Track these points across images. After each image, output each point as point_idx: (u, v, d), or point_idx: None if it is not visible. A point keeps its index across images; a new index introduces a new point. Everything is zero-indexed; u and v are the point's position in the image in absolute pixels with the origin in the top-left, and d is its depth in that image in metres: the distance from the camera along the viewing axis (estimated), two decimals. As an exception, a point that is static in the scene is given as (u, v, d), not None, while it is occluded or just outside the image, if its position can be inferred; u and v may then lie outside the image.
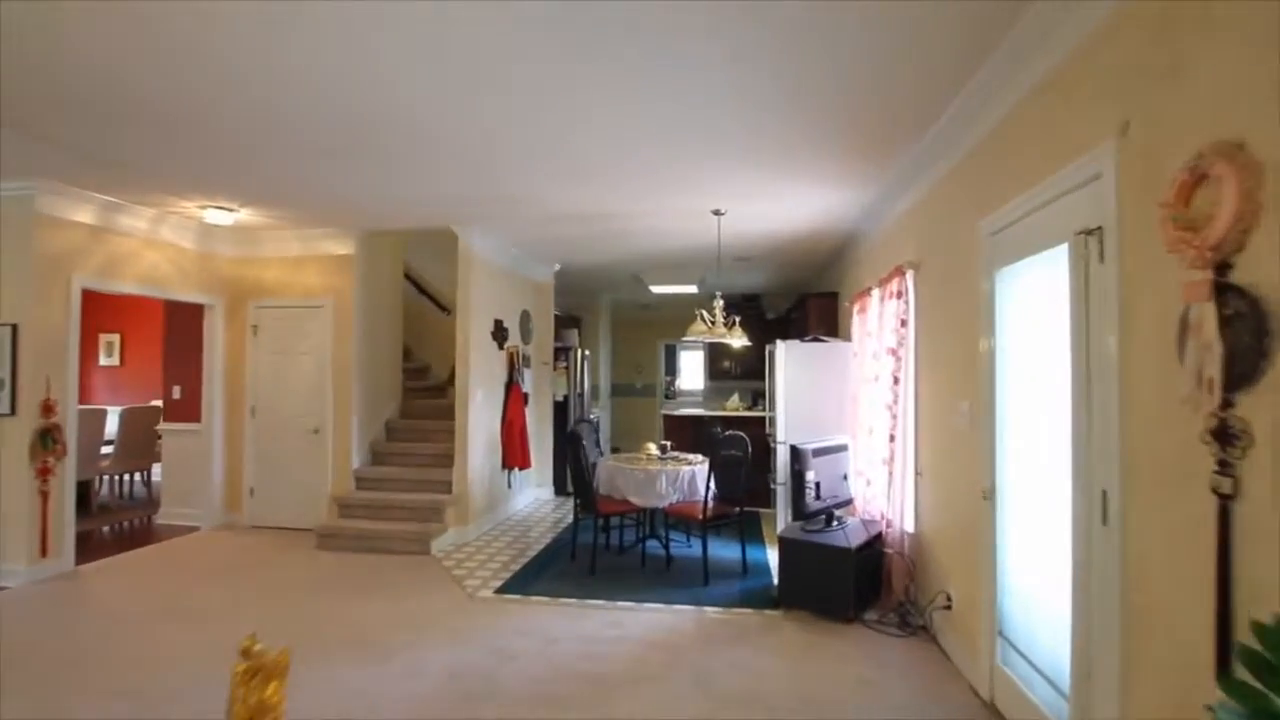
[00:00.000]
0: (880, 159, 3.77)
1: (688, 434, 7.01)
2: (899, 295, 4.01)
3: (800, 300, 7.29)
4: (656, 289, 8.54)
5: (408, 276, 7.49)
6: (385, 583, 4.44)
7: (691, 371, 14.01)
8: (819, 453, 4.22)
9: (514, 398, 6.43)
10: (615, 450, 11.27)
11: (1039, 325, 2.43)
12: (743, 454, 4.61)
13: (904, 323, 3.97)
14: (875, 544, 4.02)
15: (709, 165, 3.91)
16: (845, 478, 4.52)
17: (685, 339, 5.05)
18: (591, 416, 8.67)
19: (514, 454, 6.33)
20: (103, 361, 8.90)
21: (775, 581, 4.38)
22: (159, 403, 6.52)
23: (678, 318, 12.63)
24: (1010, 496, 2.64)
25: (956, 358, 3.27)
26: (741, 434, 4.71)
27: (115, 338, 8.86)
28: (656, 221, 5.34)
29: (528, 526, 6.15)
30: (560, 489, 7.58)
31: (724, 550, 5.12)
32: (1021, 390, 2.57)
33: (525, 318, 7.03)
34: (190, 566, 4.84)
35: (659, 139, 3.49)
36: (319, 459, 5.85)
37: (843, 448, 4.59)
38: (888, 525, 4.11)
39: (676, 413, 7.80)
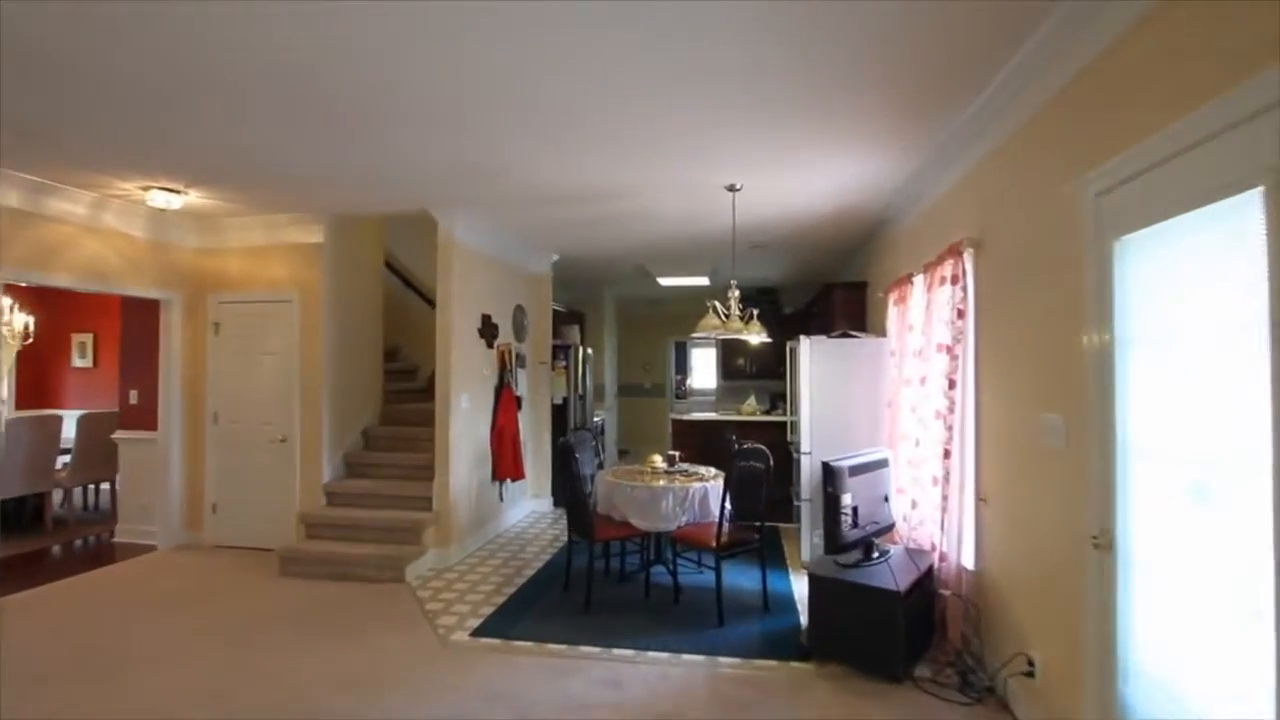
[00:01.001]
0: (937, 109, 3.06)
1: (699, 441, 6.33)
2: (954, 280, 3.30)
3: (823, 292, 6.58)
4: (665, 281, 7.86)
5: (392, 269, 6.88)
6: (345, 621, 3.81)
7: (703, 370, 13.33)
8: (856, 470, 3.53)
9: (505, 402, 5.78)
10: (623, 454, 10.61)
11: (1196, 310, 1.73)
12: (764, 468, 3.93)
13: (961, 314, 3.26)
14: (926, 582, 3.33)
15: (726, 122, 3.21)
16: (886, 499, 3.82)
17: (696, 335, 4.36)
18: (596, 419, 8.02)
19: (505, 464, 5.69)
20: (76, 363, 8.37)
21: (803, 622, 3.69)
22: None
23: (688, 313, 11.88)
24: (1140, 546, 1.93)
25: (1039, 357, 2.57)
26: (762, 447, 4.02)
27: (88, 338, 8.32)
28: (664, 200, 4.66)
29: (520, 545, 5.50)
30: (560, 500, 6.93)
31: (741, 578, 4.44)
32: (1162, 401, 1.86)
33: (519, 313, 6.38)
34: (131, 598, 4.23)
35: (666, 87, 2.81)
36: (286, 472, 5.24)
37: (882, 463, 3.89)
38: (941, 559, 3.41)
39: (686, 417, 7.09)
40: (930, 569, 3.39)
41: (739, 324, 4.28)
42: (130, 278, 5.01)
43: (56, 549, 5.46)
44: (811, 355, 4.88)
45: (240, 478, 5.35)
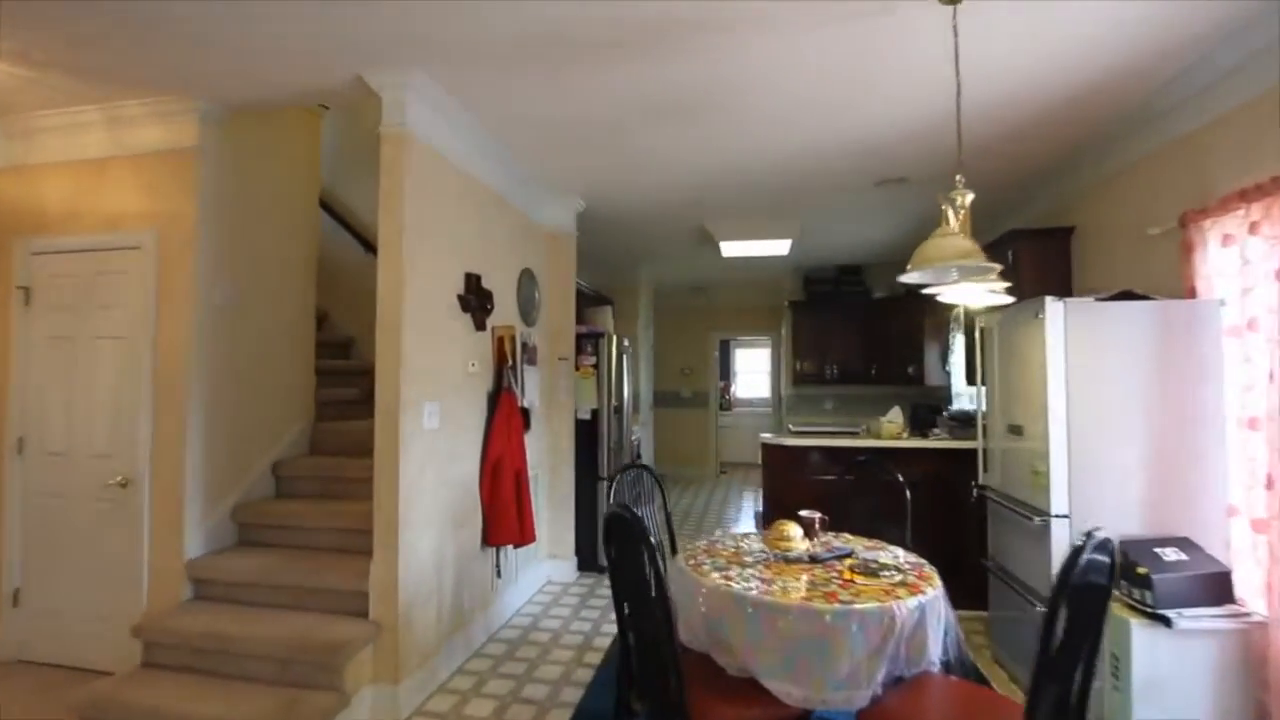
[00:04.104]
0: None
1: (808, 480, 4.06)
2: None
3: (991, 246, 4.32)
4: (730, 249, 5.65)
5: (330, 211, 4.73)
6: None
7: (753, 375, 11.09)
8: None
9: (505, 416, 3.58)
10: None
11: None
12: (1106, 582, 1.68)
13: None
14: None
15: None
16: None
17: (920, 283, 2.18)
18: (634, 439, 5.79)
19: (506, 520, 3.48)
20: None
21: None
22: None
23: (739, 304, 9.54)
24: None
25: None
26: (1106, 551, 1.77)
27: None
28: (799, 45, 2.46)
29: (529, 662, 3.28)
30: (587, 563, 4.70)
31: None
32: None
33: (526, 281, 4.19)
34: None
35: None
36: (130, 537, 3.05)
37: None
38: None
39: (786, 441, 4.29)
40: None
41: (979, 260, 2.04)
42: None
43: None
44: (1068, 333, 2.65)
45: (58, 546, 3.17)
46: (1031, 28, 2.38)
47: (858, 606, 1.89)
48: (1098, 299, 2.69)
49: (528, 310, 4.18)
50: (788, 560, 2.33)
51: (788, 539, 2.36)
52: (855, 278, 7.28)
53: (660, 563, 1.81)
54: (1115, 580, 1.86)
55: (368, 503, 2.88)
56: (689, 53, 2.54)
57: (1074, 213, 3.84)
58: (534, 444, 4.22)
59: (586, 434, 4.73)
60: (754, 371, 11.10)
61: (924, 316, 6.16)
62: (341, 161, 4.90)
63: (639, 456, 6.28)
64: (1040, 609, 2.68)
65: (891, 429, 3.91)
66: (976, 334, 3.39)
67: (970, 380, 4.67)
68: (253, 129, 3.34)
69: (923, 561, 2.33)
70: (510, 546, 3.63)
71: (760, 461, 4.17)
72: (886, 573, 2.18)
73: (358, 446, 3.53)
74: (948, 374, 6.10)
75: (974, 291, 2.37)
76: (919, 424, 4.18)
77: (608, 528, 1.99)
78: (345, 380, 4.30)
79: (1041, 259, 3.89)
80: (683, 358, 9.45)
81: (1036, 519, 2.69)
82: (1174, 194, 2.87)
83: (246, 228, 3.33)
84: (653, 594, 1.80)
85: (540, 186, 4.22)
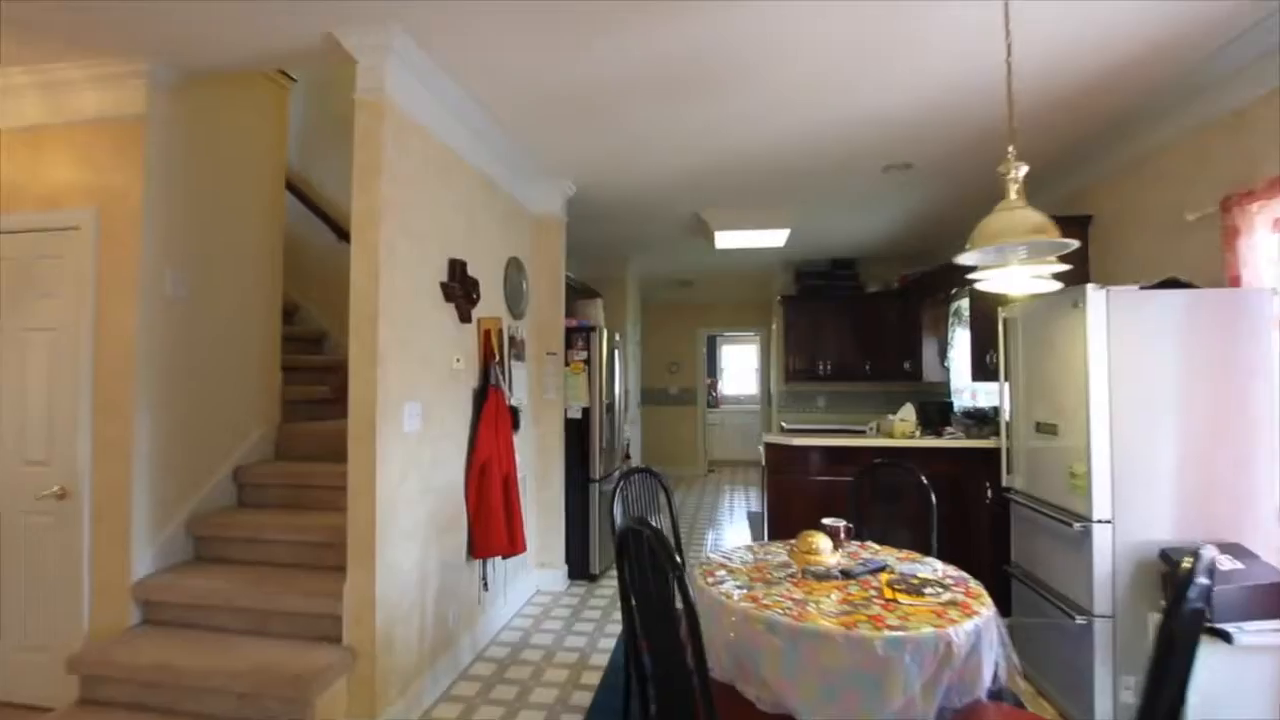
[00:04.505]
0: None
1: (815, 483, 3.83)
2: None
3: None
4: (726, 239, 5.41)
5: (301, 195, 4.39)
6: None
7: (739, 371, 10.89)
8: None
9: (492, 415, 3.29)
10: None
11: None
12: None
13: None
14: None
15: None
16: None
17: (975, 263, 1.95)
18: (624, 438, 5.54)
19: (494, 530, 3.19)
20: None
21: None
22: None
23: (728, 299, 9.30)
24: None
25: None
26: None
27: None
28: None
29: (520, 684, 2.99)
30: (578, 571, 4.44)
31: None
32: None
33: (514, 271, 3.90)
34: None
35: None
36: (68, 554, 2.70)
37: None
38: None
39: (795, 442, 3.99)
40: None
41: (1050, 229, 1.81)
42: None
43: None
44: (1110, 324, 2.45)
45: (-12, 565, 2.80)
46: (1080, -12, 2.16)
47: (911, 633, 1.66)
48: (1142, 288, 2.49)
49: (515, 302, 3.89)
50: (818, 576, 2.09)
51: (816, 552, 2.12)
52: (848, 271, 7.09)
53: (691, 591, 1.55)
54: (1209, 603, 1.65)
55: (341, 513, 2.58)
56: (697, 13, 2.28)
57: (1090, 202, 3.67)
58: (522, 445, 3.93)
59: (577, 434, 4.46)
60: (741, 368, 10.91)
61: (922, 311, 6.00)
62: (312, 140, 4.55)
63: (629, 457, 6.02)
64: (1079, 620, 2.49)
65: (904, 428, 3.70)
66: (999, 327, 3.19)
67: (978, 376, 4.49)
68: (210, 98, 3.00)
69: (965, 575, 2.11)
70: (499, 559, 3.35)
71: (763, 462, 3.94)
72: (930, 589, 1.95)
73: (330, 450, 3.21)
74: (946, 370, 5.94)
75: (1018, 278, 2.15)
76: (928, 422, 3.98)
77: (621, 545, 1.73)
78: (317, 377, 3.96)
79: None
80: (670, 354, 9.21)
81: (1077, 524, 2.48)
82: (1213, 177, 2.69)
83: (202, 208, 2.99)
84: (681, 627, 1.54)
85: (529, 167, 3.93)
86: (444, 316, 3.01)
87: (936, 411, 3.86)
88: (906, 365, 6.26)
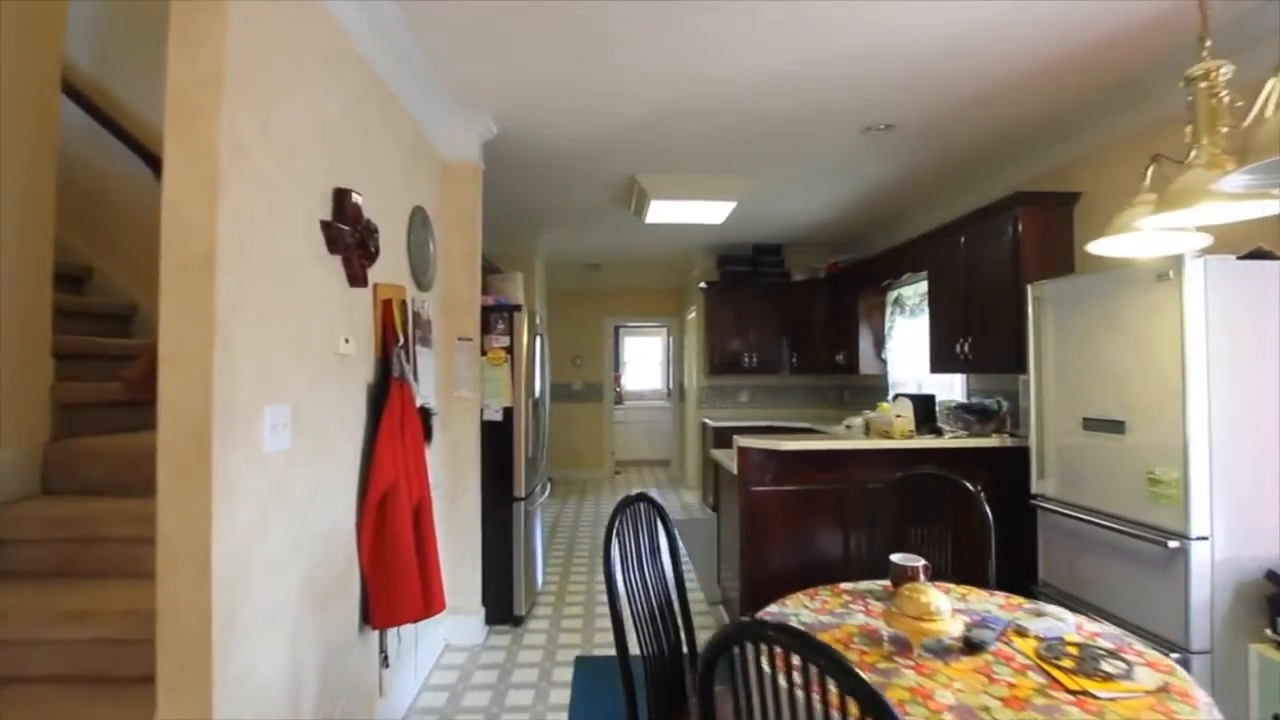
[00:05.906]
0: None
1: (798, 494, 3.18)
2: None
3: (976, 217, 3.77)
4: (661, 209, 4.68)
5: (93, 110, 3.08)
6: None
7: (644, 365, 10.26)
8: None
9: (394, 421, 2.32)
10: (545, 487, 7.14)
11: None
12: None
13: None
14: None
15: None
16: None
17: (1246, 181, 1.37)
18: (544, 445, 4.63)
19: (401, 586, 2.22)
20: None
21: None
22: None
23: (638, 285, 8.39)
24: None
25: None
26: None
27: None
28: None
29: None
30: (500, 613, 3.52)
31: None
32: None
33: (419, 224, 2.92)
34: None
35: None
36: None
37: None
38: None
39: (784, 447, 3.15)
40: None
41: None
42: None
43: None
44: (1209, 301, 2.01)
45: None
46: None
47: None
48: (1239, 258, 2.09)
49: (421, 268, 2.91)
50: (935, 653, 1.42)
51: (933, 616, 1.44)
52: (774, 258, 6.66)
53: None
54: None
55: (151, 582, 1.53)
56: None
57: (1078, 178, 3.36)
58: (430, 457, 2.96)
59: (497, 439, 3.53)
60: (646, 362, 10.28)
61: (857, 300, 5.67)
62: (118, 36, 3.23)
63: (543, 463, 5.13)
64: (1174, 657, 2.04)
65: (902, 425, 3.18)
66: (1028, 307, 2.73)
67: (941, 367, 4.14)
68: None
69: (1120, 632, 1.54)
70: (405, 626, 2.38)
71: (731, 470, 3.25)
72: (1111, 665, 1.35)
73: (136, 478, 2.08)
74: (884, 362, 5.66)
75: (1163, 232, 1.62)
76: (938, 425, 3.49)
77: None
78: (113, 368, 2.72)
79: (1045, 227, 3.40)
80: (574, 345, 8.37)
81: (1171, 542, 2.03)
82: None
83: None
84: None
85: (443, 91, 2.95)
86: (326, 274, 2.01)
87: (920, 406, 3.40)
88: (839, 358, 5.92)
